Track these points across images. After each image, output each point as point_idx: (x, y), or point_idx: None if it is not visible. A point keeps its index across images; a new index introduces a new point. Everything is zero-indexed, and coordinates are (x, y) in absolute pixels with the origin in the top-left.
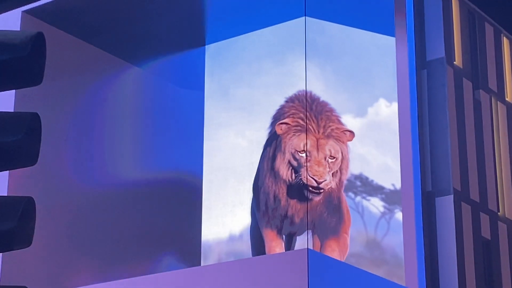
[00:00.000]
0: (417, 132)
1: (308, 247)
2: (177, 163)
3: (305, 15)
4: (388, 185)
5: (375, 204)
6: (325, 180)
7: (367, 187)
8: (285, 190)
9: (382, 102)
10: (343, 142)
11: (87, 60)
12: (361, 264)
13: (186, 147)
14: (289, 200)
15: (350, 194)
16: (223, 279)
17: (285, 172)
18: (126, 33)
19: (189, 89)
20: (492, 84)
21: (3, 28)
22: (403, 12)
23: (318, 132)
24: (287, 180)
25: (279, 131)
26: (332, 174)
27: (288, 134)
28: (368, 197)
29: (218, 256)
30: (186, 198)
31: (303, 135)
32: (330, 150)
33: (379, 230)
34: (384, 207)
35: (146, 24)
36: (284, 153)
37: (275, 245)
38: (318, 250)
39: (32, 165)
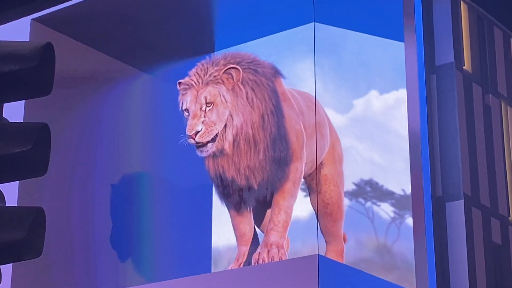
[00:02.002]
0: (426, 137)
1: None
2: (186, 168)
3: (313, 21)
4: (398, 191)
5: (385, 210)
6: (198, 131)
7: (377, 192)
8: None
9: (374, 94)
10: (223, 84)
11: (97, 67)
12: (371, 270)
13: (196, 154)
14: (218, 170)
15: (360, 200)
16: (233, 285)
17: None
18: (136, 40)
19: None
20: (502, 88)
21: (12, 36)
22: (412, 18)
23: (199, 83)
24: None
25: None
26: (225, 119)
27: (180, 94)
28: (378, 203)
29: (228, 262)
30: (196, 204)
31: (188, 92)
32: (205, 98)
33: (389, 235)
34: (394, 212)
35: (155, 31)
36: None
37: (238, 222)
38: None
39: (41, 176)
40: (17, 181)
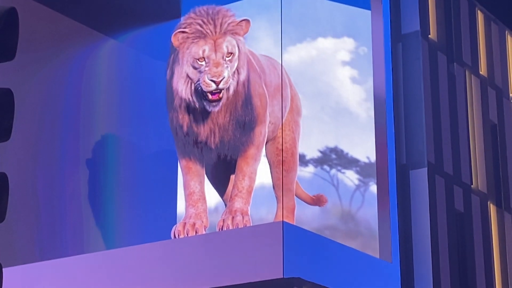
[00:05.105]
0: (392, 106)
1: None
2: (153, 135)
3: None
4: (363, 158)
5: (350, 177)
6: (223, 78)
7: (342, 160)
8: (187, 114)
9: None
10: (239, 35)
11: (62, 32)
12: (335, 237)
13: (162, 119)
14: (193, 124)
15: (325, 167)
16: (197, 252)
17: (183, 88)
18: (102, 5)
19: (165, 61)
20: (467, 57)
21: None
22: None
23: (215, 33)
24: (187, 98)
25: (175, 43)
26: (233, 73)
27: (186, 43)
28: (343, 170)
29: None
30: (162, 171)
31: (202, 41)
32: (227, 47)
33: (354, 202)
34: (359, 179)
35: None
36: (182, 66)
37: (189, 179)
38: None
39: (5, 141)
40: None
